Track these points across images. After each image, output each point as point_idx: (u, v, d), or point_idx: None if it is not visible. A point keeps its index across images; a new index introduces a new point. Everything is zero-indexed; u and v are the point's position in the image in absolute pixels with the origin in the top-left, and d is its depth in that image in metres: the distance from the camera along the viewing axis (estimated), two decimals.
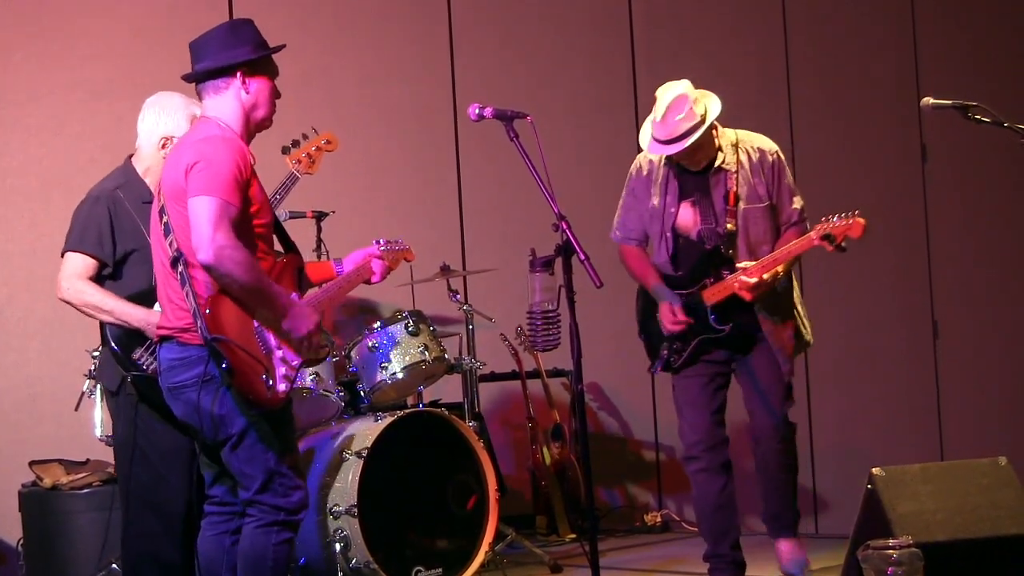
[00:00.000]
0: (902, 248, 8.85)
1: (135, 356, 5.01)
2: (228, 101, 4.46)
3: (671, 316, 5.41)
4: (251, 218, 4.38)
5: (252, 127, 4.52)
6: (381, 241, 4.97)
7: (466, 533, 5.97)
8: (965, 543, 4.83)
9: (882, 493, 4.86)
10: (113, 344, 5.02)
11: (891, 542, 4.63)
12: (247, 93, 4.46)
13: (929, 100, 5.08)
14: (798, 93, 8.62)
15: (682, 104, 5.27)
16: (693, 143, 5.28)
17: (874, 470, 4.92)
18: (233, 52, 4.46)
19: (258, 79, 4.49)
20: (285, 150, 5.75)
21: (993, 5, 9.21)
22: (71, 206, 6.68)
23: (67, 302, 5.08)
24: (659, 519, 7.73)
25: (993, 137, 5.41)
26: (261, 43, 4.52)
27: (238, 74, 4.45)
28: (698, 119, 5.27)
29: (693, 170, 5.44)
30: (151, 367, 4.98)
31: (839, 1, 8.84)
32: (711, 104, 5.35)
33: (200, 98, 4.52)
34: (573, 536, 7.28)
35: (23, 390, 6.84)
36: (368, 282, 4.93)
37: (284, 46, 4.60)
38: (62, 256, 5.12)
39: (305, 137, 5.84)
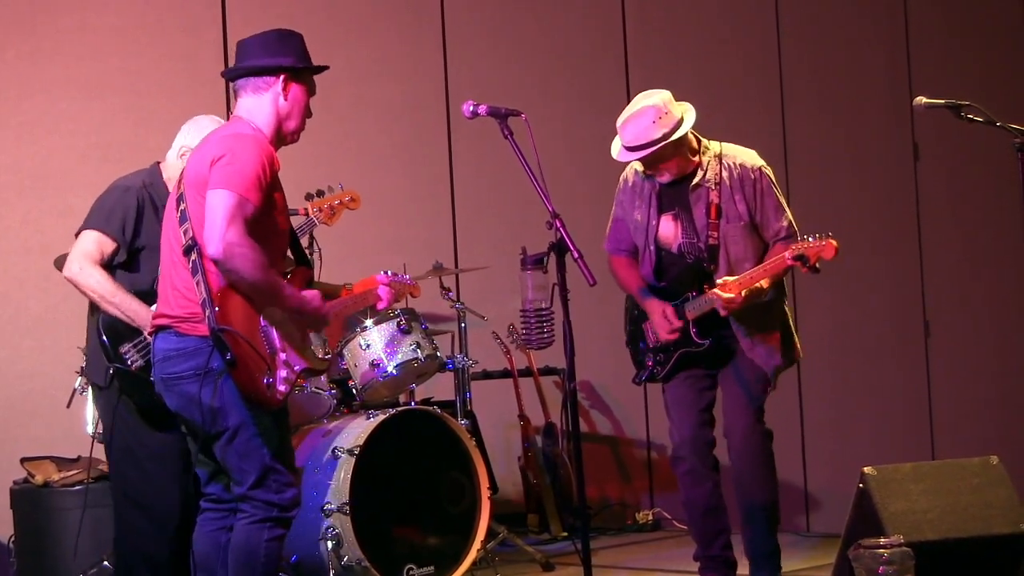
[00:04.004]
0: (894, 247, 8.87)
1: (122, 350, 5.02)
2: (264, 104, 4.49)
3: (666, 324, 5.39)
4: (269, 221, 4.39)
5: (282, 135, 4.55)
6: (388, 272, 5.00)
7: (458, 531, 5.97)
8: (956, 542, 4.84)
9: (874, 492, 4.87)
10: (103, 334, 5.02)
11: (882, 541, 4.65)
12: (285, 99, 4.50)
13: (922, 99, 5.09)
14: (791, 92, 8.63)
15: (651, 113, 5.24)
16: (653, 153, 5.25)
17: (866, 469, 4.93)
18: (280, 57, 4.50)
19: (298, 88, 4.52)
20: (309, 197, 5.82)
21: (985, 4, 9.23)
22: (64, 203, 6.74)
23: (73, 281, 5.06)
24: (650, 517, 7.74)
25: (985, 137, 5.42)
26: (307, 56, 4.58)
27: (280, 77, 4.48)
28: (666, 129, 5.23)
29: (660, 182, 5.42)
30: (136, 364, 4.98)
31: (832, 0, 8.85)
32: (684, 116, 5.29)
33: (236, 96, 4.55)
34: (565, 534, 7.28)
35: (15, 387, 6.82)
36: (374, 307, 4.96)
37: (327, 67, 4.63)
38: (77, 235, 5.11)
39: (331, 189, 5.91)
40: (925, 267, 8.90)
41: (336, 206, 5.93)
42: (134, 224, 5.07)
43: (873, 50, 8.91)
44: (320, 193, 5.96)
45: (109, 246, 5.05)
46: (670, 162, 5.34)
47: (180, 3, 7.29)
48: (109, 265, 5.06)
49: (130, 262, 5.09)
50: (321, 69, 4.61)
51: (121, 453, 5.13)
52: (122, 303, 4.99)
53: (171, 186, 5.08)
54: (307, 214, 5.95)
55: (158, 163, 5.24)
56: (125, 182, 5.18)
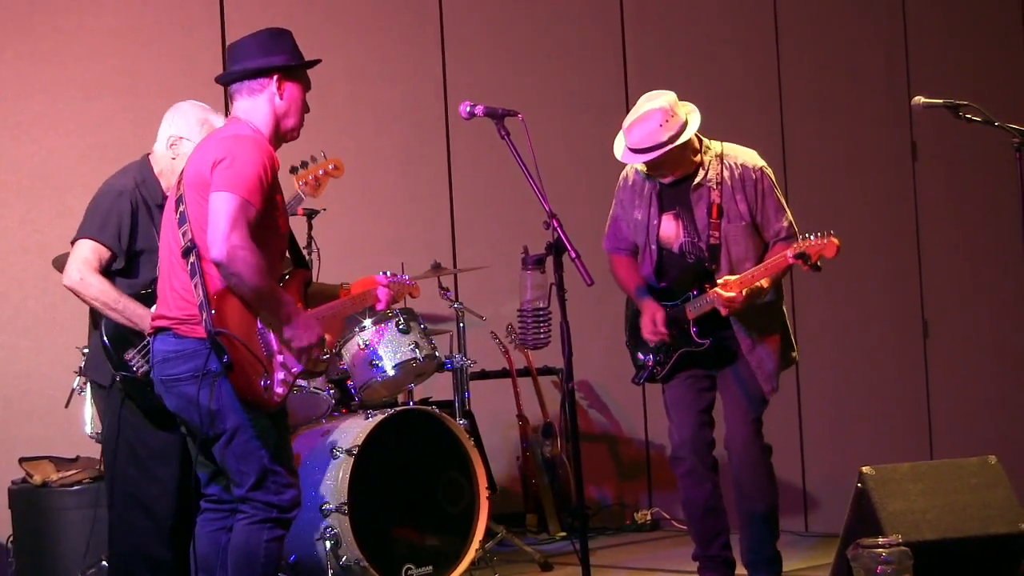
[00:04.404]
0: (892, 247, 8.87)
1: (127, 356, 5.00)
2: (261, 105, 4.49)
3: (652, 326, 5.40)
4: (269, 223, 4.39)
5: (281, 134, 4.55)
6: (388, 273, 5.00)
7: (456, 531, 5.97)
8: (954, 542, 4.84)
9: (872, 492, 4.87)
10: (107, 340, 5.01)
11: (881, 541, 4.65)
12: (281, 99, 4.50)
13: (920, 99, 5.10)
14: (789, 92, 8.63)
15: (658, 116, 5.24)
16: (659, 156, 5.25)
17: (864, 469, 4.93)
18: (272, 57, 4.50)
19: (293, 86, 4.52)
20: (293, 170, 5.82)
21: (985, 4, 9.23)
22: (62, 203, 6.74)
23: (73, 290, 5.04)
24: (649, 517, 7.73)
25: (983, 136, 5.42)
26: (298, 53, 4.57)
27: (274, 78, 4.48)
28: (672, 132, 5.22)
29: (663, 183, 5.43)
30: (141, 370, 4.97)
31: (830, 0, 8.86)
32: (690, 119, 5.29)
33: (232, 100, 4.55)
34: (563, 534, 7.28)
35: (13, 387, 6.82)
36: (372, 308, 4.96)
37: (320, 61, 4.63)
38: (73, 243, 5.10)
39: (313, 160, 5.88)
40: (924, 267, 8.91)
41: (320, 176, 5.87)
42: (129, 231, 5.04)
43: (872, 50, 8.91)
44: (304, 164, 5.91)
45: (106, 255, 5.04)
46: (675, 162, 5.34)
47: (178, 3, 7.29)
48: (107, 271, 5.05)
49: (129, 267, 5.08)
50: (313, 63, 4.60)
51: (123, 450, 5.12)
52: (125, 309, 4.98)
53: (163, 180, 5.09)
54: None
55: (147, 155, 5.23)
56: (118, 184, 5.15)
